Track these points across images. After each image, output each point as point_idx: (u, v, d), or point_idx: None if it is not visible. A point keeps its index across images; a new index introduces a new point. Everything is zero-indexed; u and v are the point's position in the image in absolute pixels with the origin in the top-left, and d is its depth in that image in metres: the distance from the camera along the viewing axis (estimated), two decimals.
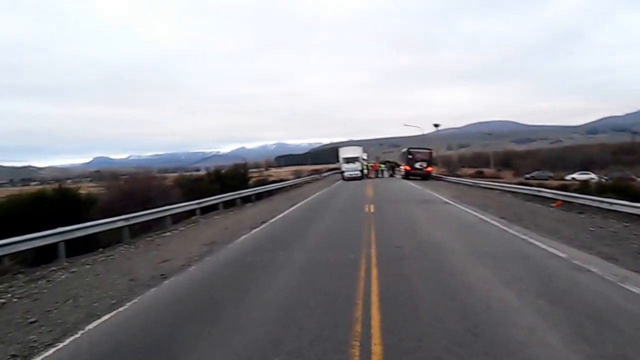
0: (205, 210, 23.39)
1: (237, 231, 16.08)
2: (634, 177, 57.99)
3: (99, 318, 7.31)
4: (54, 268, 11.65)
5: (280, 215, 20.33)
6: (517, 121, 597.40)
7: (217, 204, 24.86)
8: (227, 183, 30.91)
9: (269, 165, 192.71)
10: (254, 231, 15.97)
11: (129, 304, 8.02)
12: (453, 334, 5.85)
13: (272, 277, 9.22)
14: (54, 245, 12.70)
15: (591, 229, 14.22)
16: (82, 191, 18.87)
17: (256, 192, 31.99)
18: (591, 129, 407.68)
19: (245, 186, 32.87)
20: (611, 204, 17.32)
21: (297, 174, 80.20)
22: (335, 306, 7.01)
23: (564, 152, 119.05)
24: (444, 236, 13.38)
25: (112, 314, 7.50)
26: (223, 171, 34.68)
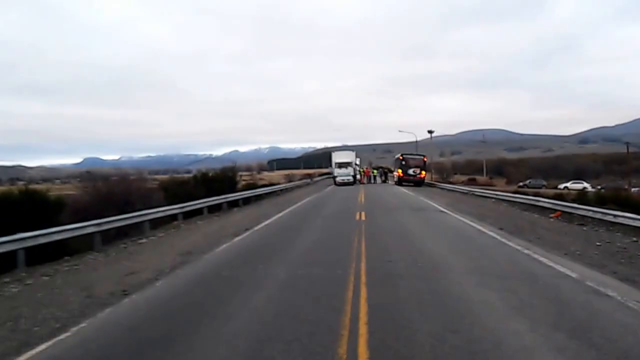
0: (189, 214, 22.44)
1: (218, 239, 15.10)
2: (626, 186, 57.36)
3: (32, 349, 6.09)
4: (7, 280, 10.52)
5: (266, 222, 19.31)
6: (510, 130, 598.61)
7: (202, 208, 23.92)
8: (213, 187, 30.03)
9: (261, 169, 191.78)
10: (236, 239, 14.99)
11: (74, 329, 6.83)
12: None
13: (245, 298, 8.09)
14: (13, 253, 11.50)
15: (598, 243, 13.16)
16: (58, 193, 17.71)
17: (244, 196, 31.02)
18: (582, 138, 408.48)
19: (233, 190, 32.09)
20: (615, 216, 16.31)
21: (289, 178, 79.24)
22: (316, 339, 5.86)
23: (556, 161, 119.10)
24: (440, 249, 12.34)
25: (50, 343, 6.29)
26: (211, 174, 33.58)
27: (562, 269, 9.88)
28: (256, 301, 7.85)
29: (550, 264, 10.47)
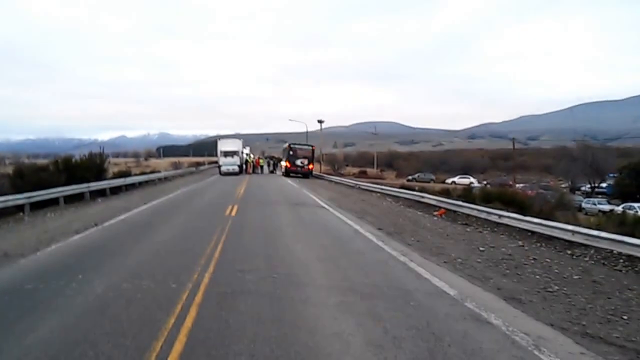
0: (40, 205, 19.98)
1: (52, 237, 12.86)
2: (511, 182, 58.88)
3: None
4: None
5: (123, 217, 17.03)
6: (402, 123, 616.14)
7: (57, 198, 21.44)
8: (76, 174, 26.80)
9: (149, 155, 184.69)
10: (73, 238, 12.80)
11: None
12: None
13: (35, 324, 6.17)
14: None
15: (482, 248, 11.89)
16: None
17: (112, 185, 28.61)
18: (470, 134, 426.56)
19: (100, 178, 29.11)
20: (500, 216, 15.32)
21: (176, 166, 75.93)
22: None
23: (446, 155, 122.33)
24: (306, 255, 10.66)
25: None
26: (74, 160, 30.22)
27: (439, 283, 8.43)
28: (45, 332, 5.95)
29: (427, 275, 9.02)
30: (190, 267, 9.09)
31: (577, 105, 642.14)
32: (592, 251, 11.22)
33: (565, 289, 8.30)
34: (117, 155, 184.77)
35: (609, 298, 7.81)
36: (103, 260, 9.93)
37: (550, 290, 8.21)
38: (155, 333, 5.76)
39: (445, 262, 10.30)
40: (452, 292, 7.82)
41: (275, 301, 7.14)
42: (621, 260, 10.39)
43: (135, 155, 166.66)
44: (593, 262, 10.50)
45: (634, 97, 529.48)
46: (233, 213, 17.70)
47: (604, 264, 10.37)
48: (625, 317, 6.86)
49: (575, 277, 9.19)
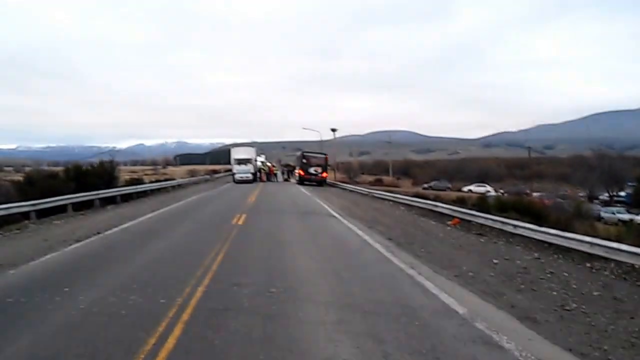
0: (47, 212, 19.58)
1: (52, 245, 12.60)
2: (528, 191, 57.91)
3: None
4: None
5: (127, 225, 16.67)
6: (418, 132, 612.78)
7: (65, 205, 21.00)
8: (86, 181, 26.65)
9: (167, 164, 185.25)
10: (73, 247, 12.54)
11: None
12: None
13: (2, 343, 5.78)
14: None
15: (495, 260, 11.23)
16: None
17: (122, 192, 28.19)
18: (486, 142, 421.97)
19: (110, 186, 28.83)
20: (515, 227, 14.60)
21: (191, 174, 75.96)
22: None
23: (461, 164, 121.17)
24: (309, 267, 10.16)
25: None
26: (84, 168, 30.11)
27: (448, 300, 7.84)
28: (5, 353, 5.53)
29: (435, 291, 8.42)
30: (185, 280, 8.62)
31: (594, 114, 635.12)
32: (612, 265, 10.51)
33: (584, 307, 7.66)
34: (135, 163, 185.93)
35: (632, 318, 7.15)
36: (96, 271, 9.55)
37: (568, 308, 7.58)
38: (130, 356, 5.29)
39: (456, 275, 9.71)
40: (461, 311, 7.24)
41: (269, 319, 6.63)
42: None
43: (153, 163, 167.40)
44: (614, 277, 9.80)
45: None
46: (240, 222, 17.22)
47: (625, 279, 9.67)
48: None
49: (595, 293, 8.53)
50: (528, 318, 7.06)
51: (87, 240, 13.41)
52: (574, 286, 8.96)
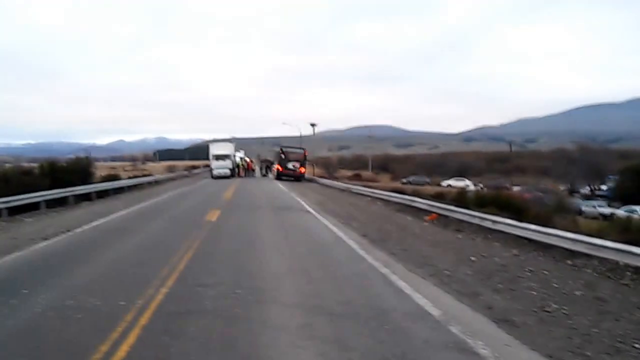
0: (20, 210, 19.07)
1: (19, 245, 12.07)
2: (508, 185, 57.89)
3: None
4: None
5: (98, 222, 16.18)
6: (398, 126, 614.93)
7: (38, 202, 20.43)
8: (61, 178, 25.96)
9: (146, 159, 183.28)
10: (41, 245, 12.15)
11: None
12: None
13: None
14: None
15: (473, 258, 10.78)
16: None
17: (98, 189, 27.48)
18: (467, 137, 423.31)
19: (86, 182, 28.13)
20: (494, 222, 14.18)
21: (170, 170, 75.18)
22: None
23: (441, 158, 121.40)
24: (279, 266, 9.70)
25: None
26: (60, 164, 29.41)
27: (421, 301, 7.35)
28: None
29: (409, 291, 7.95)
30: (148, 281, 8.12)
31: (578, 108, 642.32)
32: (595, 262, 10.07)
33: (565, 308, 7.19)
34: (115, 159, 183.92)
35: (617, 320, 6.69)
36: (59, 272, 9.09)
37: (549, 310, 7.10)
38: None
39: (431, 274, 9.24)
40: (435, 313, 6.76)
41: (231, 323, 6.17)
42: (628, 273, 9.25)
43: (133, 159, 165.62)
44: (597, 275, 9.35)
45: (633, 99, 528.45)
46: (214, 218, 16.77)
47: (608, 277, 9.23)
48: (637, 346, 5.78)
49: (577, 292, 8.07)
50: (506, 321, 6.58)
51: (55, 239, 12.90)
52: (555, 285, 8.51)
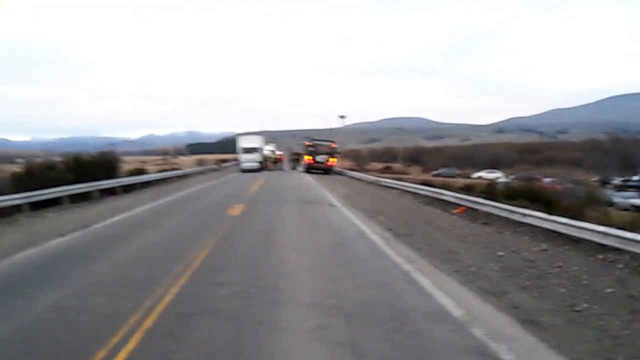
0: (43, 205, 19.01)
1: (35, 240, 12.04)
2: (539, 177, 56.85)
3: None
4: None
5: (120, 217, 16.16)
6: (429, 118, 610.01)
7: (61, 197, 20.46)
8: (86, 172, 26.03)
9: (177, 153, 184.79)
10: (57, 241, 12.05)
11: None
12: None
13: None
14: None
15: (500, 253, 10.42)
16: None
17: (123, 183, 27.60)
18: (499, 128, 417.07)
19: (111, 176, 28.24)
20: (523, 215, 13.76)
21: (200, 163, 75.67)
22: None
23: (473, 150, 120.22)
24: (299, 262, 9.45)
25: None
26: (85, 158, 29.53)
27: (444, 300, 7.08)
28: None
29: (431, 289, 7.66)
30: (160, 279, 7.97)
31: (608, 98, 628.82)
32: (627, 257, 9.60)
33: (596, 307, 6.82)
34: (146, 153, 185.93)
35: None
36: (69, 269, 8.97)
37: (578, 309, 6.74)
38: None
39: (455, 271, 8.94)
40: (457, 313, 6.47)
41: (241, 325, 5.96)
42: None
43: (164, 153, 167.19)
44: (629, 271, 8.87)
45: None
46: (237, 213, 16.57)
47: None
48: None
49: (608, 290, 7.66)
50: (532, 322, 6.26)
51: (72, 235, 12.79)
52: (585, 282, 8.13)
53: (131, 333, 5.65)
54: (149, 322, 6.00)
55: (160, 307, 6.57)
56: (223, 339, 5.54)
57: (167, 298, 6.98)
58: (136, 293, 7.20)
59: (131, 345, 5.33)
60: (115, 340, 5.46)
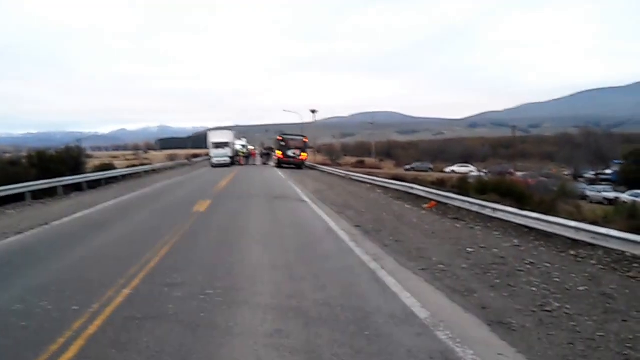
0: (3, 201, 18.54)
1: None
2: (512, 171, 57.23)
3: None
4: None
5: (81, 214, 15.70)
6: (403, 113, 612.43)
7: (23, 193, 19.91)
8: (50, 168, 25.38)
9: (148, 148, 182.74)
10: (10, 239, 11.58)
11: None
12: None
13: None
14: None
15: (470, 249, 10.09)
16: None
17: (88, 179, 26.90)
18: (472, 122, 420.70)
19: (76, 172, 27.66)
20: (494, 210, 13.53)
21: (171, 158, 74.79)
22: None
23: (446, 144, 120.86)
24: (259, 262, 8.95)
25: None
26: (49, 154, 28.81)
27: (409, 301, 6.69)
28: None
29: (396, 288, 7.29)
30: (113, 280, 7.49)
31: (580, 92, 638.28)
32: (600, 252, 9.36)
33: (568, 306, 6.48)
34: (117, 148, 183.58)
35: (625, 321, 5.98)
36: (19, 270, 8.54)
37: (549, 309, 6.39)
38: None
39: (423, 269, 8.57)
40: (422, 315, 6.09)
41: (192, 331, 5.51)
42: (635, 265, 8.54)
43: (135, 148, 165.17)
44: (602, 267, 8.59)
45: (637, 83, 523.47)
46: (203, 209, 16.12)
47: (614, 269, 8.48)
48: None
49: (581, 288, 7.35)
50: (501, 323, 5.90)
51: (29, 233, 12.34)
52: (557, 279, 7.81)
53: (72, 339, 5.22)
54: (93, 328, 5.55)
55: (108, 311, 6.13)
56: (171, 346, 5.09)
57: (118, 300, 6.54)
58: (85, 295, 6.75)
59: (70, 353, 4.89)
60: (54, 347, 5.03)
